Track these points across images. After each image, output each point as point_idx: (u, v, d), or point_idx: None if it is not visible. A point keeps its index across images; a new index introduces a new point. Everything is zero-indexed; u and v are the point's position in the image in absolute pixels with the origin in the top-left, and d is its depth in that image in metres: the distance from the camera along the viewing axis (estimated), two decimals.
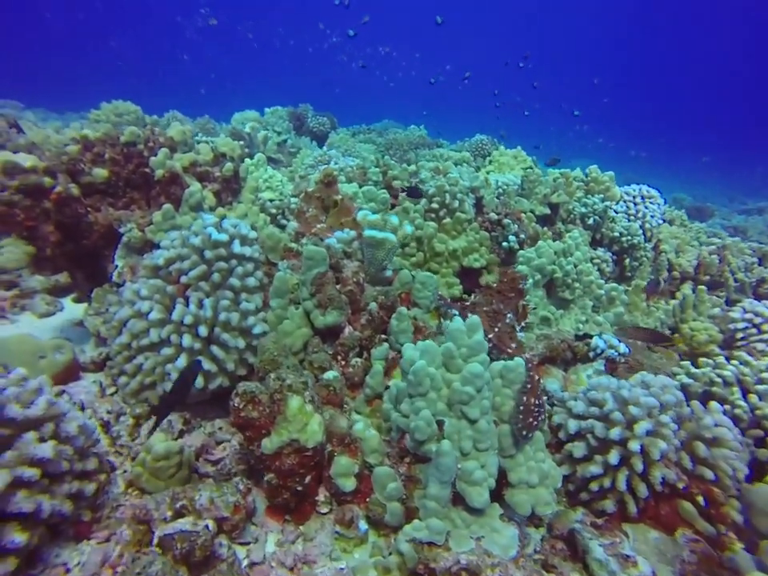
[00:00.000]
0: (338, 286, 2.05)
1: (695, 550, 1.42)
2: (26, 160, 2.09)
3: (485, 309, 2.38)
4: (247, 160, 3.24)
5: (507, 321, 2.29)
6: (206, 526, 1.26)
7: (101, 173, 2.31)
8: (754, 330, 3.01)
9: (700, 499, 1.51)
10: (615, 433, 1.57)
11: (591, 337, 2.91)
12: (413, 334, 2.01)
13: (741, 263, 4.56)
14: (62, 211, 2.17)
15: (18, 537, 1.07)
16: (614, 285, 3.38)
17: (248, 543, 1.41)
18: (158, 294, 1.88)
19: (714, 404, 1.64)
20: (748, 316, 3.08)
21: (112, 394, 2.00)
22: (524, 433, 1.48)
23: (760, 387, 1.82)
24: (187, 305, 1.86)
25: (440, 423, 1.45)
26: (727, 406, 1.79)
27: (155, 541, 1.19)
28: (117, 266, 2.35)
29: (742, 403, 1.79)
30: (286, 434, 1.34)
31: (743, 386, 1.88)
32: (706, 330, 3.23)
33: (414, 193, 3.09)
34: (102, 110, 6.45)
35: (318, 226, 2.61)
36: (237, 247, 1.96)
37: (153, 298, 1.86)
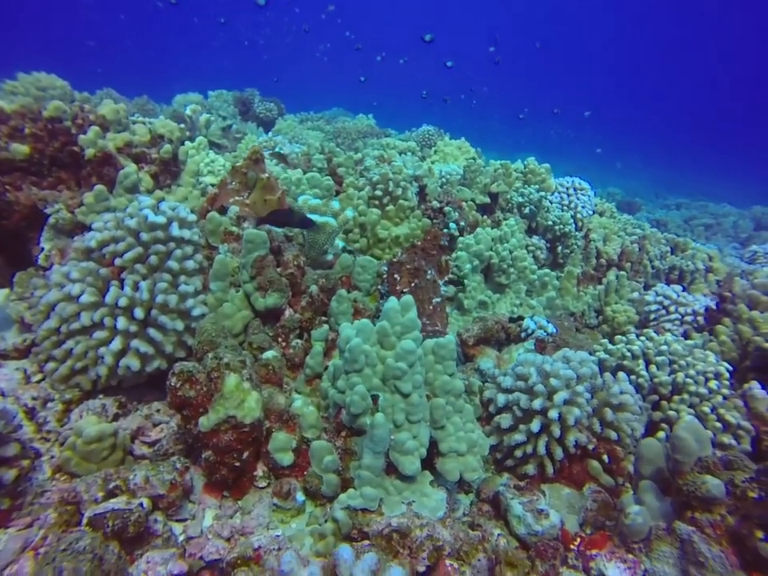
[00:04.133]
0: (278, 269, 2.07)
1: (596, 499, 1.60)
2: None
3: (407, 266, 2.39)
4: (188, 143, 3.15)
5: (428, 277, 2.34)
6: (140, 504, 1.27)
7: (20, 148, 2.18)
8: (663, 312, 3.33)
9: (605, 457, 1.69)
10: (537, 403, 1.71)
11: (516, 320, 3.11)
12: (352, 315, 2.08)
13: (657, 252, 4.96)
14: None
15: None
16: (547, 270, 3.60)
17: (185, 520, 1.43)
18: (90, 277, 1.82)
19: (621, 374, 1.83)
20: (659, 299, 3.40)
21: (38, 382, 1.92)
22: None
23: (659, 359, 2.04)
24: (122, 288, 1.82)
25: (375, 398, 1.52)
26: (633, 377, 2.00)
27: (84, 521, 1.19)
28: (43, 249, 2.24)
29: (644, 373, 2.01)
30: (223, 411, 1.36)
31: (646, 358, 2.10)
32: (625, 311, 3.53)
33: None
34: (20, 80, 5.90)
35: (237, 198, 2.55)
36: (175, 230, 1.93)
37: (84, 281, 1.81)
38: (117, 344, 1.71)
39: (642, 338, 2.22)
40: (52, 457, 1.52)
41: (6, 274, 2.45)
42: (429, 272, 2.29)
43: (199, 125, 5.24)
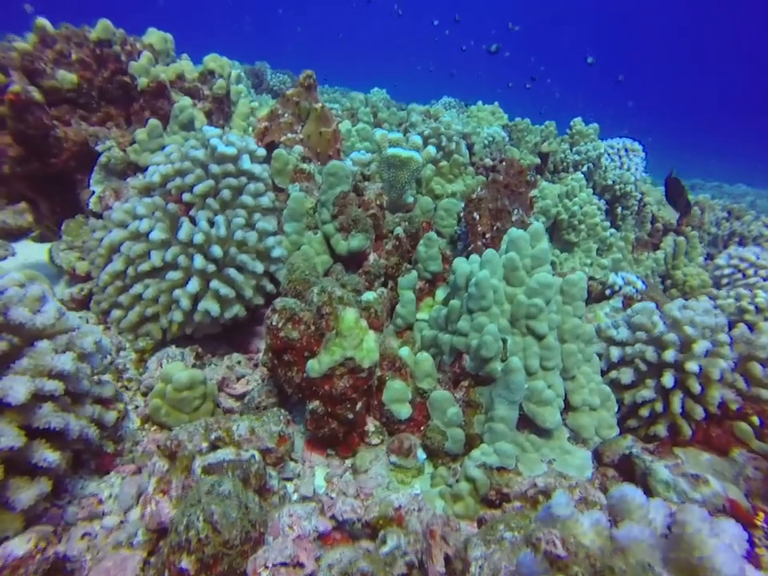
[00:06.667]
0: (358, 209, 1.85)
1: (759, 467, 1.38)
2: None
3: (489, 206, 2.07)
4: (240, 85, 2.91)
5: (514, 218, 2.03)
6: (253, 456, 1.08)
7: (68, 77, 1.95)
8: (739, 276, 3.05)
9: (755, 419, 1.48)
10: (670, 355, 1.50)
11: (596, 279, 2.88)
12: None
13: (713, 218, 4.68)
14: (22, 118, 1.81)
15: (51, 455, 0.86)
16: (612, 230, 3.36)
17: (291, 479, 1.25)
18: (159, 212, 1.61)
19: (764, 324, 1.60)
20: (734, 262, 3.13)
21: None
22: None
23: None
24: (194, 224, 1.61)
25: (502, 342, 1.31)
26: None
27: (198, 470, 1.00)
28: (94, 192, 2.03)
29: None
30: (340, 352, 1.16)
31: None
32: (699, 275, 3.28)
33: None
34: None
35: (290, 135, 2.32)
36: (246, 163, 1.72)
37: (153, 217, 1.60)
38: (194, 285, 1.51)
39: (759, 291, 1.99)
40: (136, 406, 1.34)
41: (51, 223, 2.26)
42: (516, 212, 2.03)
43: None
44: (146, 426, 1.27)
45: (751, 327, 1.76)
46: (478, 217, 1.97)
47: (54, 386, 0.86)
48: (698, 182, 12.13)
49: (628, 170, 4.53)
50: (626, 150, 4.77)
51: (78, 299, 1.88)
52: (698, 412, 1.48)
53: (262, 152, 1.83)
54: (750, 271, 3.04)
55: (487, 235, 1.91)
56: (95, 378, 1.10)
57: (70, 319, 1.01)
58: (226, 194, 1.65)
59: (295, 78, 8.71)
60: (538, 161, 4.18)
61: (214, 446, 1.14)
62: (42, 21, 1.88)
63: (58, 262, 2.05)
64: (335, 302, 1.21)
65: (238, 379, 1.53)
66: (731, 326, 1.72)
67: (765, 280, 2.95)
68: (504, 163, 3.52)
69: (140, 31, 2.30)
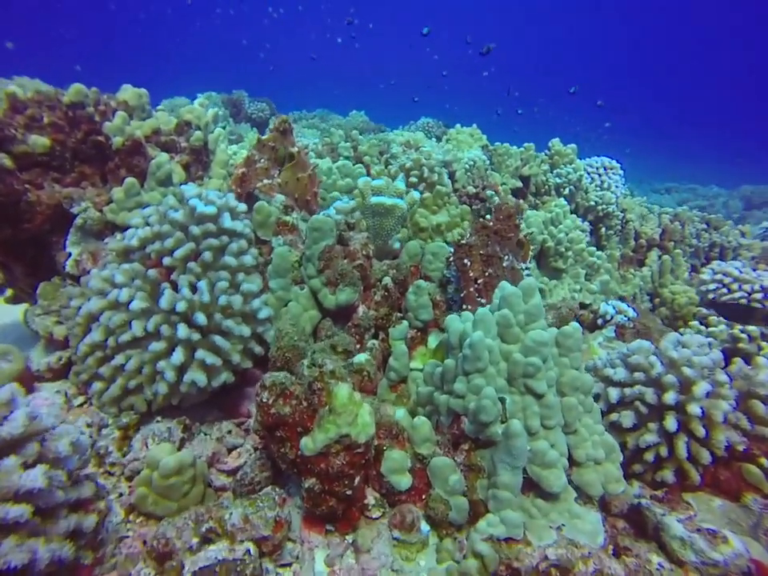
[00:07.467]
0: (344, 261, 1.81)
1: None
2: None
3: (480, 252, 2.00)
4: (218, 129, 2.89)
5: (505, 264, 2.02)
6: (248, 551, 1.01)
7: (40, 141, 1.89)
8: (724, 290, 3.08)
9: (763, 461, 1.44)
10: (670, 397, 1.47)
11: (587, 306, 2.87)
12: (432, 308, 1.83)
13: (693, 230, 4.75)
14: None
15: None
16: (599, 253, 3.37)
17: (289, 564, 1.18)
18: (138, 280, 1.55)
19: (761, 360, 1.59)
20: (717, 277, 3.15)
21: (81, 405, 1.66)
22: None
23: None
24: (176, 290, 1.55)
25: (501, 401, 1.27)
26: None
27: None
28: (71, 254, 1.97)
29: None
30: (334, 430, 1.11)
31: None
32: (686, 292, 3.30)
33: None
34: None
35: (266, 181, 2.28)
36: (227, 221, 1.67)
37: (132, 285, 1.54)
38: (179, 356, 1.45)
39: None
40: (120, 494, 1.26)
41: (24, 285, 2.18)
42: (506, 257, 2.03)
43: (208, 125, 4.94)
44: (131, 516, 1.20)
45: (746, 359, 1.75)
46: (469, 263, 1.95)
47: (19, 511, 0.79)
48: (674, 186, 12.49)
49: (608, 188, 4.60)
50: (605, 169, 4.84)
51: (55, 369, 1.80)
52: (705, 456, 1.45)
53: (242, 207, 1.79)
54: (734, 285, 3.06)
55: (479, 281, 1.88)
56: (74, 475, 1.03)
57: (43, 420, 0.94)
58: (207, 255, 1.60)
59: (274, 106, 8.75)
60: (519, 184, 4.21)
61: (205, 539, 1.07)
62: (12, 88, 1.84)
63: (33, 327, 1.97)
64: (326, 376, 1.16)
65: (230, 451, 1.46)
66: (726, 356, 1.70)
67: (749, 295, 2.98)
68: (486, 190, 3.53)
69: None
